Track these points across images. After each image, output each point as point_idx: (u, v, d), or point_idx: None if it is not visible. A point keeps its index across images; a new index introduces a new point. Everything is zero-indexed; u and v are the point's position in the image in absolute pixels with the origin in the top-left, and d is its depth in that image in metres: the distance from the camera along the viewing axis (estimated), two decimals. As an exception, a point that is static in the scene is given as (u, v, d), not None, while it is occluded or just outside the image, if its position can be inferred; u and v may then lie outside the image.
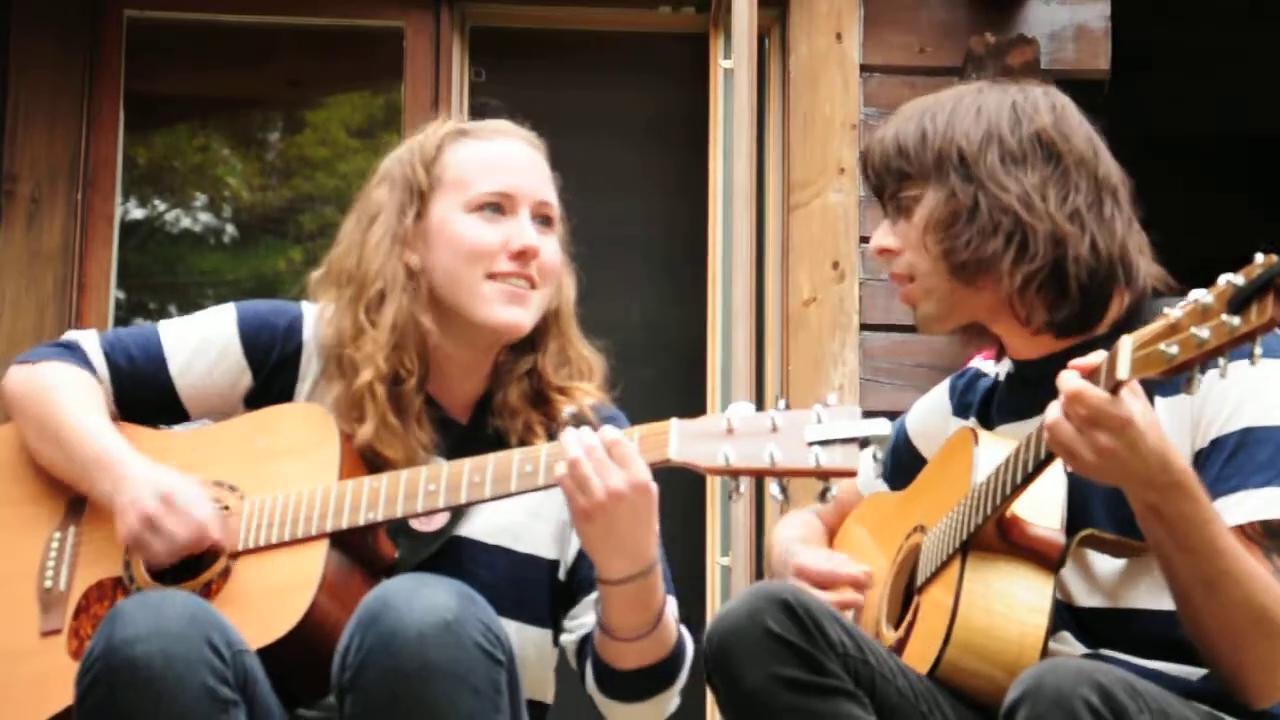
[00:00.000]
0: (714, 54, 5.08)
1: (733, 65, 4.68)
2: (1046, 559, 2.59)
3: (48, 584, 2.78)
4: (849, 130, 5.00)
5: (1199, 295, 2.26)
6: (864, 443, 2.53)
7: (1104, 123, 2.79)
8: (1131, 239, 2.70)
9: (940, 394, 2.98)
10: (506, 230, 2.84)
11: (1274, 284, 2.17)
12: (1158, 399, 2.55)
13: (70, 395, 2.84)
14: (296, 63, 5.64)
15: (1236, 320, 2.21)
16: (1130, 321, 2.60)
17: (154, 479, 2.73)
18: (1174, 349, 2.26)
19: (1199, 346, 2.24)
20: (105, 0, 5.11)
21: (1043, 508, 2.60)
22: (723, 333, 4.82)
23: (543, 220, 2.89)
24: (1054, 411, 2.39)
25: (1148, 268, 2.70)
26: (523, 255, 2.84)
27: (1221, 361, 2.25)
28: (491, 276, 2.83)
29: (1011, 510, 2.59)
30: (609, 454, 2.60)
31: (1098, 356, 2.38)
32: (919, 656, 2.62)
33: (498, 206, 2.86)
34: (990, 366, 2.91)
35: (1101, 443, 2.36)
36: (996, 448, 2.65)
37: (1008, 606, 2.56)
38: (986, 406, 2.85)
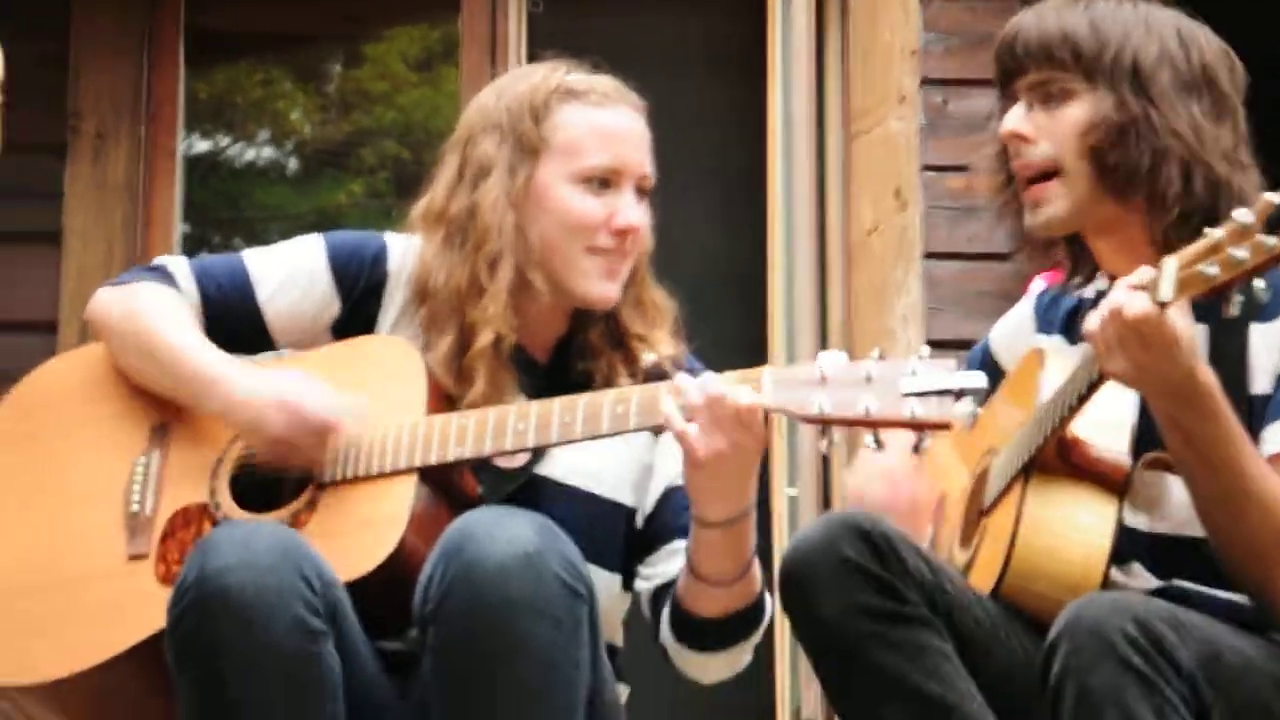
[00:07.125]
0: (772, -18, 5.07)
1: (791, -7, 4.66)
2: (1111, 481, 2.57)
3: (134, 508, 2.79)
4: (909, 57, 4.95)
5: (1240, 215, 2.27)
6: (959, 394, 2.50)
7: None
8: (1252, 182, 2.68)
9: (1025, 311, 2.94)
10: (611, 205, 2.84)
11: None
12: (1253, 324, 2.55)
13: (169, 314, 2.85)
14: (353, -3, 5.64)
15: (1273, 240, 2.22)
16: None
17: (268, 392, 2.73)
18: (1214, 269, 2.27)
19: (1237, 266, 2.25)
20: (166, -62, 5.14)
21: (1110, 430, 2.59)
22: (784, 264, 4.80)
23: (641, 192, 2.89)
24: (1095, 320, 2.41)
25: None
26: (624, 233, 2.84)
27: (1257, 284, 2.26)
28: (591, 250, 2.84)
29: (1074, 433, 2.57)
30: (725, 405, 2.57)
31: (1146, 274, 2.38)
32: (983, 579, 2.61)
33: (605, 181, 2.85)
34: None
35: (1137, 356, 2.37)
36: (1063, 368, 2.62)
37: (1069, 528, 2.54)
38: (1070, 323, 2.82)
